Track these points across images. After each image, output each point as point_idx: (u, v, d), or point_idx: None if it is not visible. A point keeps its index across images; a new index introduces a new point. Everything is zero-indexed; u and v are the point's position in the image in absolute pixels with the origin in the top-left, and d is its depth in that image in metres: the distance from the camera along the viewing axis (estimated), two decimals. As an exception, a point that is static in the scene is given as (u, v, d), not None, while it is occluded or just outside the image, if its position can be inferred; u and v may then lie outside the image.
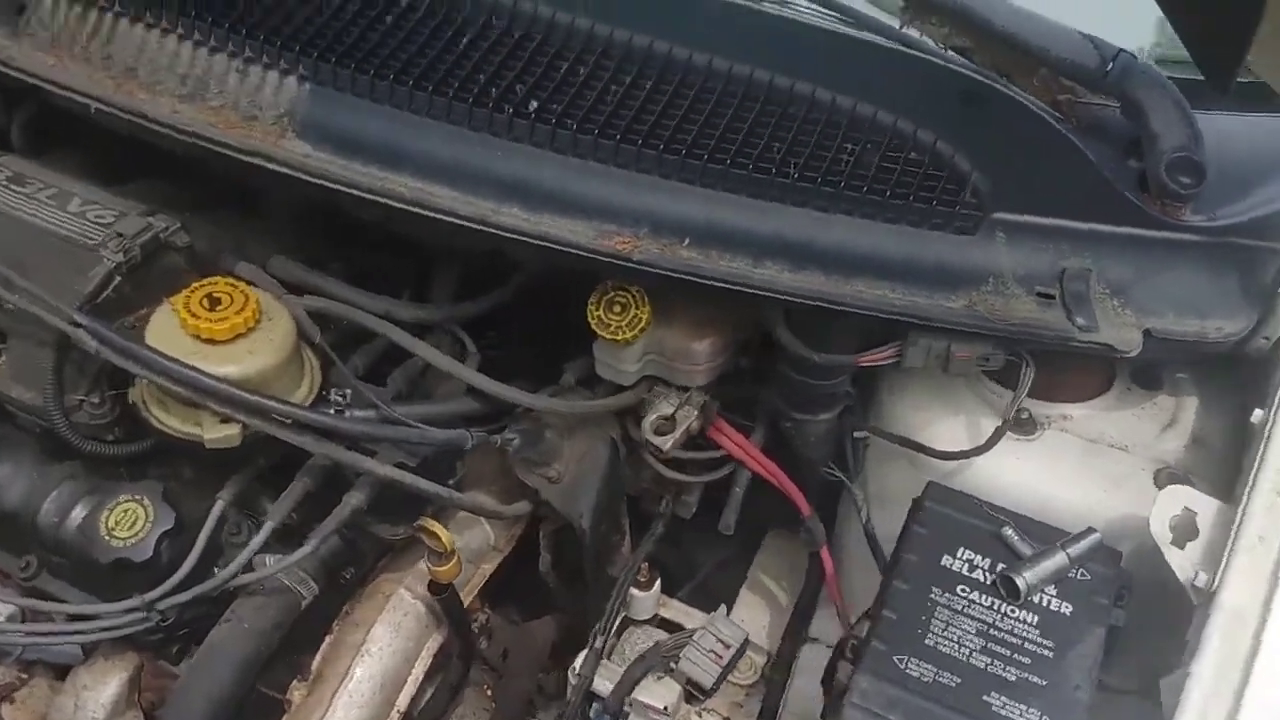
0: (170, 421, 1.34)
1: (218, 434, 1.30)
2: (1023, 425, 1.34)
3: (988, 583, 1.20)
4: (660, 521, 1.64)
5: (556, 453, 1.50)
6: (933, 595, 1.19)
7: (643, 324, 1.38)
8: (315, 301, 1.45)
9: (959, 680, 1.12)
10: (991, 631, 1.16)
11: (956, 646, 1.15)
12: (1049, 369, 1.32)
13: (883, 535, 1.46)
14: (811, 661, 1.54)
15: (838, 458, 1.49)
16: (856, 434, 1.46)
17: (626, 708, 1.44)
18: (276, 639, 1.43)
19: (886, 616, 1.17)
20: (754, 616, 1.69)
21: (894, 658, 1.13)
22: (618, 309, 1.39)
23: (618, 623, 1.55)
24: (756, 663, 1.58)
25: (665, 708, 1.44)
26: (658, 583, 1.59)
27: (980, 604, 1.18)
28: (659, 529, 1.63)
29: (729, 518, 1.49)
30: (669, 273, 1.21)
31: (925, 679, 1.12)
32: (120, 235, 1.38)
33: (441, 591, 1.47)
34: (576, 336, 1.56)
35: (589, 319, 1.39)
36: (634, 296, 1.39)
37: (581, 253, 1.21)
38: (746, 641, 1.50)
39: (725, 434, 1.46)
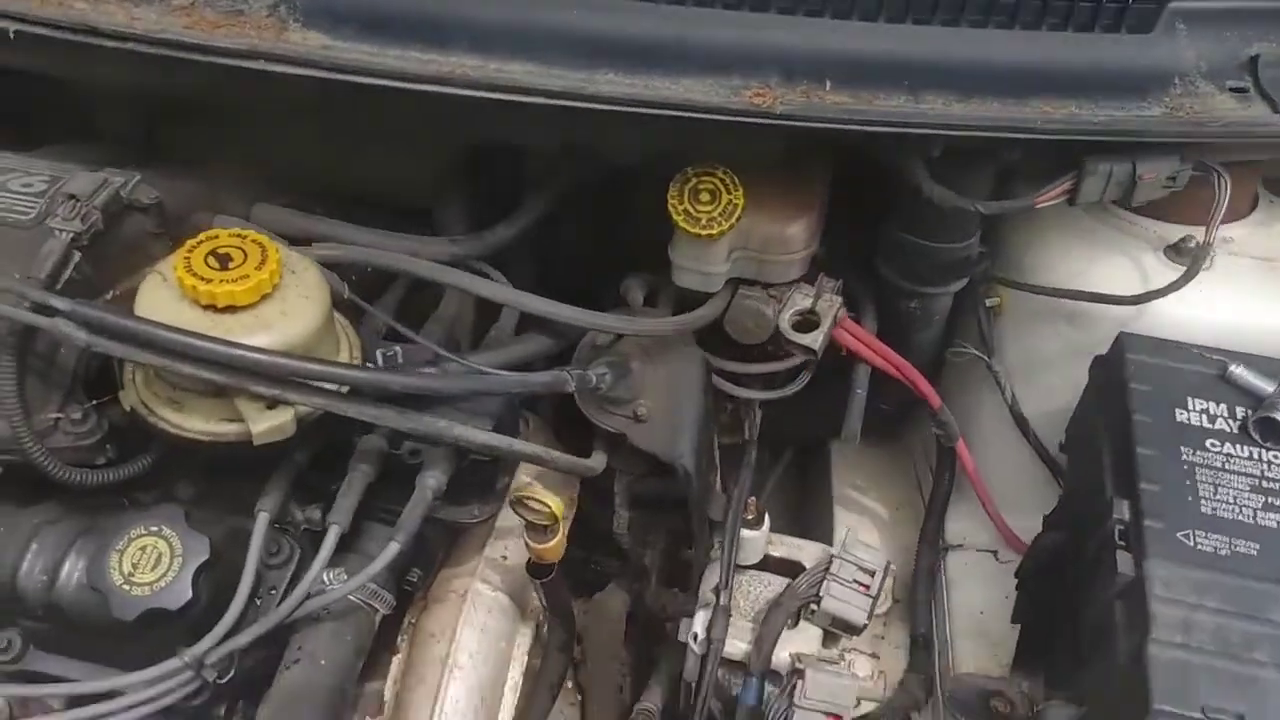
0: (190, 423, 1.03)
1: (267, 424, 1.00)
2: (1191, 253, 1.17)
3: (1235, 431, 1.03)
4: (751, 448, 1.41)
5: (642, 386, 1.25)
6: (1185, 456, 1.01)
7: (739, 211, 1.15)
8: (328, 249, 1.16)
9: (1258, 546, 0.95)
10: (1265, 484, 0.99)
11: (1236, 508, 0.97)
12: (1200, 189, 1.15)
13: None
14: (963, 569, 1.35)
15: (963, 334, 1.30)
16: (988, 301, 1.26)
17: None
18: (359, 670, 1.15)
19: (1147, 490, 0.98)
20: (864, 536, 1.48)
21: (1178, 535, 0.95)
22: (706, 198, 1.15)
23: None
24: (884, 586, 1.38)
25: (841, 655, 1.23)
26: (766, 519, 1.36)
27: (1239, 456, 1.01)
28: (752, 456, 1.40)
29: (853, 425, 1.28)
30: (820, 125, 0.98)
31: (1222, 552, 0.94)
32: (72, 198, 1.05)
33: (545, 574, 1.21)
34: (614, 259, 1.32)
35: (673, 215, 1.15)
36: (722, 180, 1.16)
37: (715, 116, 0.96)
38: (889, 564, 1.30)
39: (848, 329, 1.24)
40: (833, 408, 1.52)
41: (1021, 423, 1.26)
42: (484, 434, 1.07)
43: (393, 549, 1.06)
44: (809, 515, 1.58)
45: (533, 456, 1.13)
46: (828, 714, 1.17)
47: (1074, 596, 1.06)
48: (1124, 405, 1.04)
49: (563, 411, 1.34)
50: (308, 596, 1.07)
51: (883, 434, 1.62)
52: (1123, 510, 0.97)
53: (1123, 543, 0.95)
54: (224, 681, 1.05)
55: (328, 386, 1.00)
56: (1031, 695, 1.21)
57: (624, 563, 1.56)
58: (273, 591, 1.13)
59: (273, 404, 1.00)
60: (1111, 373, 1.09)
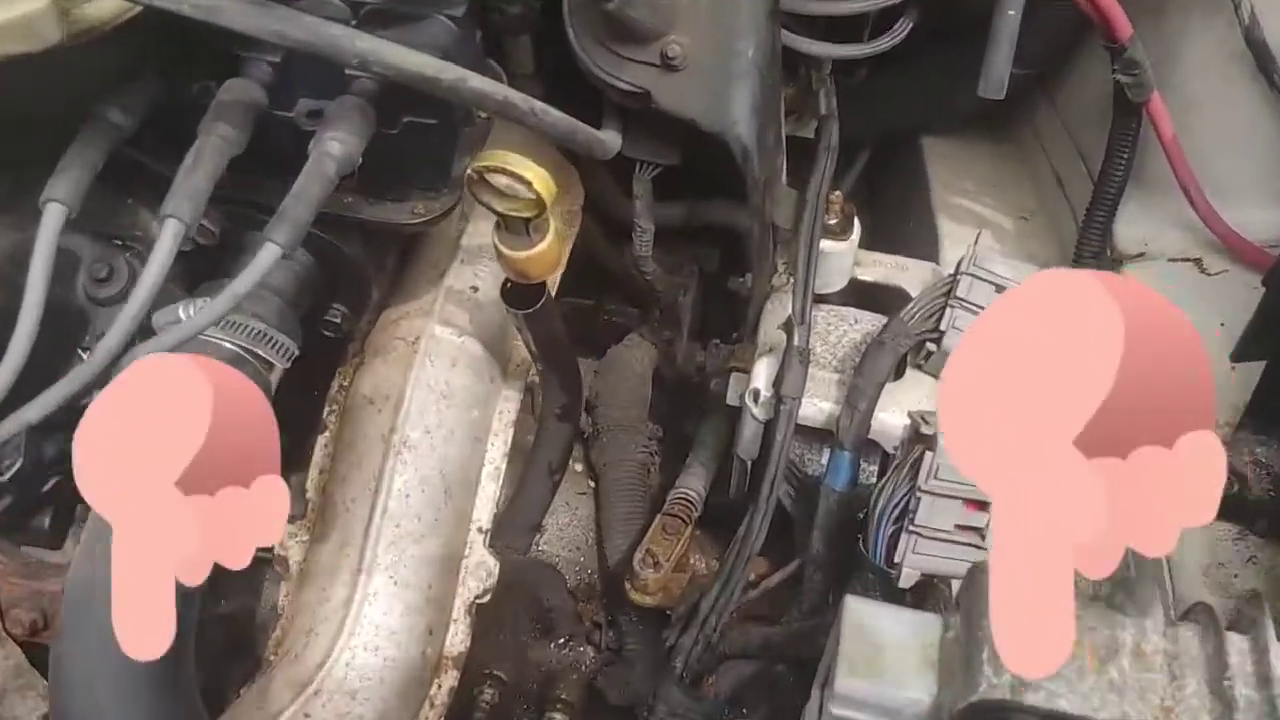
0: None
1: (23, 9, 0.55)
2: None
3: None
4: (831, 124, 0.97)
5: (674, 11, 0.79)
6: None
7: None
8: None
9: None
10: None
11: None
12: None
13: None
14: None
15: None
16: None
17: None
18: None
19: None
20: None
21: None
22: None
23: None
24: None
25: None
26: (856, 225, 0.93)
27: None
28: (834, 135, 0.96)
29: (999, 67, 0.83)
30: None
31: None
32: None
33: (529, 302, 0.78)
34: None
35: None
36: None
37: None
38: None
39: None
40: (927, 85, 1.11)
41: (1263, 55, 0.81)
42: (419, 56, 0.62)
43: (269, 253, 0.63)
44: (900, 230, 1.14)
45: (507, 106, 0.67)
46: (968, 501, 0.76)
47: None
48: None
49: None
50: (133, 342, 0.64)
51: (992, 125, 1.18)
52: None
53: None
54: (10, 477, 0.65)
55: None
56: (1270, 463, 0.81)
57: (647, 306, 1.15)
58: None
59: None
60: None
